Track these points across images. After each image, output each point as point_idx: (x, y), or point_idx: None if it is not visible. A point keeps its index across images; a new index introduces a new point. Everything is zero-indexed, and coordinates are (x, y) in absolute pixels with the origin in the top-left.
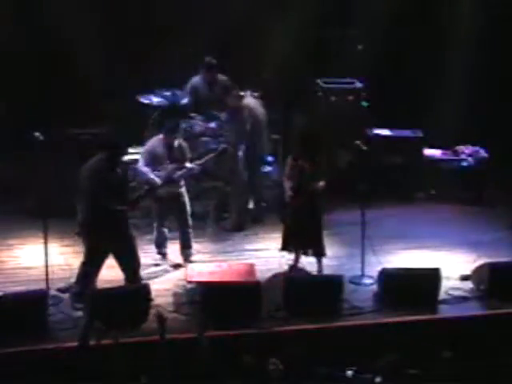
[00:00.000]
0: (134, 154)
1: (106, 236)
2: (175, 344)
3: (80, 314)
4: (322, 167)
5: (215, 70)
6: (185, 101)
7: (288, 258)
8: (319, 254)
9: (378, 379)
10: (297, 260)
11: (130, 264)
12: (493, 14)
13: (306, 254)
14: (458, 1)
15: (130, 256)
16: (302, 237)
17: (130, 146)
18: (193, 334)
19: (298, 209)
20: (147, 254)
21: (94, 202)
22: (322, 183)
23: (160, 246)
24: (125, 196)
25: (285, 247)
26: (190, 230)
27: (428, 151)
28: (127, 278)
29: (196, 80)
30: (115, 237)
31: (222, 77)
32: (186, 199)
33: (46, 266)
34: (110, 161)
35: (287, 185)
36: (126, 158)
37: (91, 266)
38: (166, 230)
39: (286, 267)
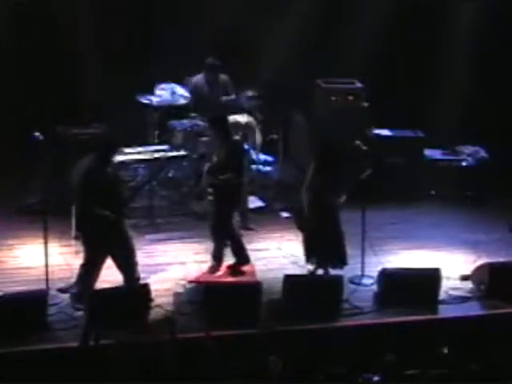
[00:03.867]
0: (133, 153)
1: (104, 236)
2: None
3: (80, 314)
4: (344, 180)
5: (217, 70)
6: (184, 99)
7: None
8: (342, 263)
9: (376, 378)
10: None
11: (127, 264)
12: (492, 13)
13: (325, 268)
14: (458, 1)
15: (128, 256)
16: (324, 249)
17: (130, 146)
18: (194, 334)
19: (318, 221)
20: (147, 254)
21: (87, 203)
22: (343, 198)
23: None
24: (118, 196)
25: (309, 260)
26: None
27: (428, 151)
28: (126, 278)
29: (197, 79)
30: (112, 236)
31: (223, 76)
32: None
33: (46, 266)
34: (102, 160)
35: (305, 197)
36: (125, 158)
37: (91, 267)
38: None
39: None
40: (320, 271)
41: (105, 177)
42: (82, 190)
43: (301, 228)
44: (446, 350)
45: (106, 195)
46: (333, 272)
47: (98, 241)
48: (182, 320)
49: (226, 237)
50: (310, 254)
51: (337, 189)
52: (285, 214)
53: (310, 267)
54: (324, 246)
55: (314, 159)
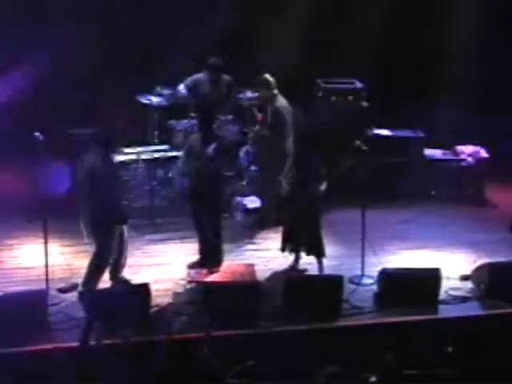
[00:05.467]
0: (133, 154)
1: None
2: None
3: (80, 314)
4: (322, 169)
5: (220, 70)
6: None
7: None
8: (319, 254)
9: (373, 378)
10: (296, 261)
11: (119, 261)
12: (493, 13)
13: (306, 253)
14: (458, 1)
15: (122, 253)
16: (300, 238)
17: (130, 146)
18: (194, 334)
19: (297, 210)
20: (147, 254)
21: (101, 197)
22: (322, 187)
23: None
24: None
25: (284, 248)
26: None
27: (428, 151)
28: (112, 276)
29: (199, 77)
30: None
31: (225, 77)
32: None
33: (46, 266)
34: (105, 153)
35: (284, 184)
36: (125, 158)
37: (104, 263)
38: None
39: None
40: (301, 264)
41: (114, 168)
42: (100, 185)
43: (280, 221)
44: (450, 349)
45: (118, 186)
46: (329, 271)
47: (112, 236)
48: (182, 320)
49: (220, 235)
50: (285, 241)
51: (316, 179)
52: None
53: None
54: (303, 234)
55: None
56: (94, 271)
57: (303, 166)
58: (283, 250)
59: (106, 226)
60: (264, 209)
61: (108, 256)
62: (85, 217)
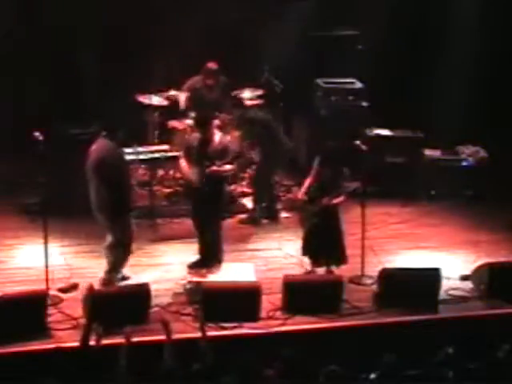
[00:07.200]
0: (133, 154)
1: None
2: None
3: (81, 314)
4: (346, 170)
5: (217, 74)
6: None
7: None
8: (339, 263)
9: (372, 376)
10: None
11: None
12: (492, 13)
13: (319, 266)
14: (458, 1)
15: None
16: (318, 246)
17: (130, 146)
18: (193, 334)
19: (313, 216)
20: (147, 254)
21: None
22: (338, 199)
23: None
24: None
25: (304, 253)
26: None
27: (428, 151)
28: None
29: (197, 79)
30: None
31: (222, 78)
32: None
33: (46, 266)
34: (114, 140)
35: (305, 184)
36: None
37: (127, 249)
38: None
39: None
40: (319, 270)
41: (121, 159)
42: (117, 174)
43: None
44: (450, 350)
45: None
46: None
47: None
48: (182, 320)
49: (220, 235)
50: (304, 251)
51: (335, 189)
52: (284, 214)
53: (308, 267)
54: (319, 245)
55: (317, 160)
56: (119, 259)
57: (322, 172)
58: (303, 254)
59: (123, 214)
60: (256, 207)
61: (129, 242)
62: (97, 206)
